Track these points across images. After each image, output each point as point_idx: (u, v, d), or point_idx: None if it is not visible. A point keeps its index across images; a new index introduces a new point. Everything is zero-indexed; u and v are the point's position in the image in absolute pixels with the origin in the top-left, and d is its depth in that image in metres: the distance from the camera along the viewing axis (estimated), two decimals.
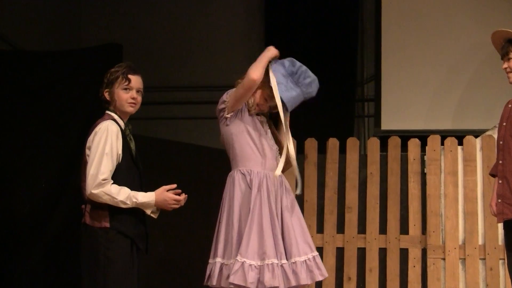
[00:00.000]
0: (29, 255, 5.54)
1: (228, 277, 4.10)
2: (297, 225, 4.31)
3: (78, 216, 4.12)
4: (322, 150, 6.10)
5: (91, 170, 3.93)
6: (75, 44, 7.35)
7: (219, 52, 7.98)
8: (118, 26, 8.02)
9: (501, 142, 4.44)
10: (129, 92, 4.09)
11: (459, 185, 5.89)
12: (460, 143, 5.95)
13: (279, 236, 4.19)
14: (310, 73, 4.45)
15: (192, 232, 6.29)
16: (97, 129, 4.00)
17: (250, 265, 4.06)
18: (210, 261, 4.29)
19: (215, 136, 7.72)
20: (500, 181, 4.40)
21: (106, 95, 4.10)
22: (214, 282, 4.18)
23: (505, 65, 4.43)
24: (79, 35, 8.03)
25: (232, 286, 4.08)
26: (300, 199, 6.06)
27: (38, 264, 5.57)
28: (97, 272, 3.95)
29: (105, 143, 3.95)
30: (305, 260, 4.21)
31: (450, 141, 5.97)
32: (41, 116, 5.79)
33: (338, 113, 7.26)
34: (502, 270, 5.71)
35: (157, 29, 8.14)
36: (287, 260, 4.16)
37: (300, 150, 6.09)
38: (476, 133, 6.03)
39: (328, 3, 7.63)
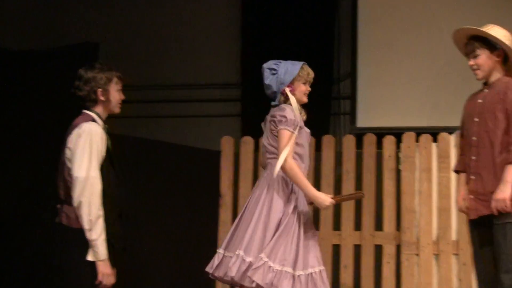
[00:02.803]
0: (17, 254, 5.53)
1: (245, 271, 4.17)
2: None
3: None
4: None
5: (77, 173, 3.86)
6: (51, 43, 7.32)
7: (196, 50, 7.98)
8: (94, 25, 8.00)
9: (474, 138, 4.45)
10: (120, 94, 4.11)
11: (434, 181, 5.95)
12: (435, 140, 6.01)
13: (301, 246, 4.28)
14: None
15: (176, 231, 6.32)
16: (81, 131, 3.92)
17: (270, 267, 4.14)
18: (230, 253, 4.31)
19: (192, 135, 7.80)
20: (473, 177, 4.43)
21: (100, 93, 4.03)
22: (233, 273, 4.20)
23: (472, 62, 4.45)
24: (55, 33, 7.99)
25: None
26: None
27: (26, 261, 5.56)
28: (73, 274, 3.91)
29: (91, 147, 3.89)
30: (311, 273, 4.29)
31: (425, 138, 6.03)
32: (16, 115, 5.77)
33: (313, 110, 7.25)
34: (456, 265, 5.78)
35: (134, 27, 8.12)
36: (302, 270, 4.24)
37: None
38: (451, 130, 6.08)
39: (305, 1, 7.65)
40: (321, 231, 5.96)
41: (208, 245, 6.19)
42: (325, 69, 7.56)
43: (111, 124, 4.20)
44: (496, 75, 4.46)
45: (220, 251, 4.36)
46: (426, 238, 5.82)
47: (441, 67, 7.04)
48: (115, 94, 4.09)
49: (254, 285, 4.12)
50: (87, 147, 3.89)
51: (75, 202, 3.86)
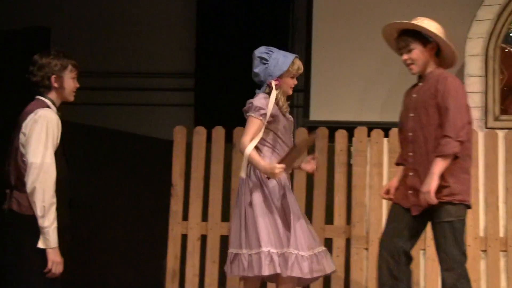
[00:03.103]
0: None
1: (268, 265, 4.26)
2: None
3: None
4: None
5: (32, 159, 3.84)
6: (1, 27, 7.19)
7: (150, 39, 7.93)
8: (46, 9, 7.88)
9: (410, 134, 4.48)
10: (75, 82, 4.10)
11: (384, 176, 5.99)
12: (386, 135, 6.05)
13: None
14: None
15: (128, 220, 6.28)
16: (36, 117, 3.90)
17: (302, 256, 4.27)
18: (254, 251, 4.35)
19: (145, 124, 7.74)
20: (411, 173, 4.47)
21: (53, 80, 4.01)
22: (277, 270, 4.28)
23: (406, 57, 4.46)
24: (5, 17, 7.85)
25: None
26: (227, 189, 6.09)
27: None
28: (24, 262, 3.88)
29: (47, 134, 3.87)
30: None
31: (376, 133, 6.06)
32: None
33: None
34: (423, 260, 5.84)
35: (87, 13, 8.03)
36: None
37: (228, 139, 6.11)
38: None
39: None
40: None
41: (159, 234, 6.18)
42: None
43: (63, 111, 4.15)
44: (430, 68, 4.48)
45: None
46: (376, 232, 5.86)
47: (395, 63, 7.07)
48: (70, 82, 4.06)
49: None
50: (43, 133, 3.86)
51: (29, 188, 3.83)
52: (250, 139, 4.40)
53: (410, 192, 4.44)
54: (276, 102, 4.47)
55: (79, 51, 7.72)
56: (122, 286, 6.47)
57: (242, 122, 6.19)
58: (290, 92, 4.58)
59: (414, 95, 4.50)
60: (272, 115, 4.44)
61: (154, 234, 6.48)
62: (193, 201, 6.09)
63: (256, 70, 4.52)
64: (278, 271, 4.27)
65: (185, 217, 6.08)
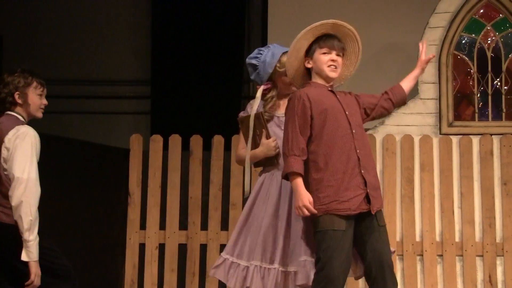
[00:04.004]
0: None
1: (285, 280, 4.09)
2: None
3: None
4: (207, 147, 6.12)
5: (19, 173, 3.97)
6: None
7: (106, 46, 7.88)
8: None
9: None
10: (42, 99, 4.26)
11: None
12: None
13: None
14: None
15: (84, 229, 6.22)
16: (20, 133, 4.06)
17: (312, 262, 4.01)
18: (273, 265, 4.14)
19: (101, 132, 7.68)
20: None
21: (17, 97, 4.15)
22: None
23: (335, 58, 4.08)
24: None
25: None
26: (184, 196, 6.08)
27: None
28: (23, 270, 4.00)
29: (31, 149, 4.05)
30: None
31: None
32: None
33: (224, 110, 7.29)
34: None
35: (41, 21, 7.95)
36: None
37: (185, 146, 6.10)
38: (367, 129, 6.17)
39: (215, 1, 7.66)
40: (230, 231, 5.85)
41: (117, 243, 6.14)
42: (235, 69, 7.58)
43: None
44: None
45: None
46: None
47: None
48: (34, 98, 4.22)
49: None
50: (27, 149, 4.03)
51: (15, 202, 3.96)
52: (242, 147, 4.34)
53: None
54: (265, 106, 4.31)
55: (32, 59, 7.67)
56: None
57: (198, 129, 6.24)
58: (291, 89, 4.32)
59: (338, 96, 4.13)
60: None
61: (111, 243, 6.44)
62: (151, 209, 6.06)
63: (252, 77, 4.37)
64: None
65: (143, 226, 6.05)
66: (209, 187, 6.07)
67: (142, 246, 6.02)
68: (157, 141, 6.16)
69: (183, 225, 6.04)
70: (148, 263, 5.99)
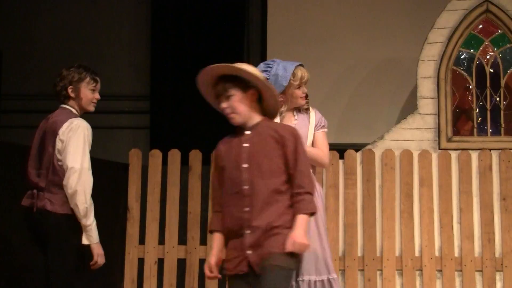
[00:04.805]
0: None
1: None
2: None
3: None
4: (207, 162, 6.12)
5: (72, 164, 4.22)
6: None
7: (105, 61, 7.88)
8: None
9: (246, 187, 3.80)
10: (94, 93, 4.54)
11: (340, 197, 6.03)
12: (342, 156, 6.09)
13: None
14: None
15: None
16: (74, 125, 4.32)
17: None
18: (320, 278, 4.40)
19: (100, 147, 7.59)
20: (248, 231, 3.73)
21: (70, 91, 4.42)
22: None
23: (226, 105, 3.80)
24: None
25: None
26: (183, 211, 6.08)
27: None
28: (63, 256, 4.23)
29: (84, 141, 4.33)
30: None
31: (332, 154, 6.09)
32: None
33: (223, 125, 7.28)
34: (380, 281, 5.88)
35: (40, 36, 7.96)
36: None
37: (184, 161, 6.10)
38: (357, 147, 6.19)
39: (215, 14, 7.67)
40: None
41: (116, 258, 6.11)
42: None
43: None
44: (255, 117, 3.84)
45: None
46: (333, 253, 5.87)
47: (349, 85, 7.18)
48: (87, 93, 4.48)
49: None
50: (81, 141, 4.30)
51: (70, 190, 4.21)
52: None
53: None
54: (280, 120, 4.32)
55: (31, 73, 7.68)
56: None
57: (198, 144, 6.23)
58: (302, 102, 4.38)
59: (246, 145, 3.87)
60: None
61: (110, 258, 6.40)
62: (150, 224, 6.05)
63: None
64: None
65: (142, 240, 6.04)
66: (208, 202, 6.06)
67: (141, 261, 6.02)
68: (156, 156, 6.16)
69: (182, 240, 6.03)
70: (147, 278, 5.98)
